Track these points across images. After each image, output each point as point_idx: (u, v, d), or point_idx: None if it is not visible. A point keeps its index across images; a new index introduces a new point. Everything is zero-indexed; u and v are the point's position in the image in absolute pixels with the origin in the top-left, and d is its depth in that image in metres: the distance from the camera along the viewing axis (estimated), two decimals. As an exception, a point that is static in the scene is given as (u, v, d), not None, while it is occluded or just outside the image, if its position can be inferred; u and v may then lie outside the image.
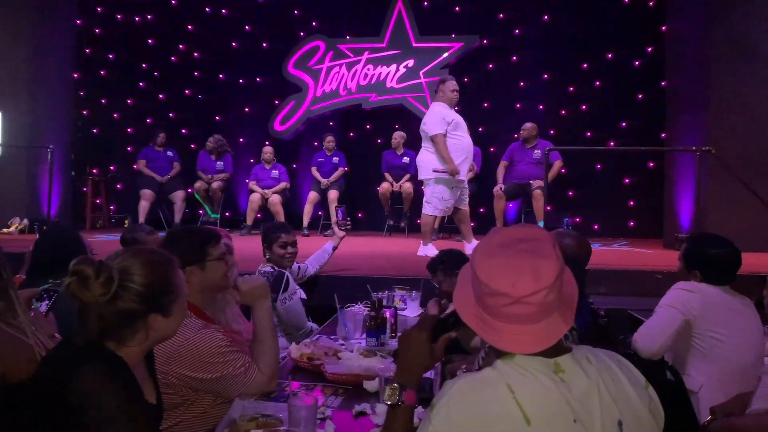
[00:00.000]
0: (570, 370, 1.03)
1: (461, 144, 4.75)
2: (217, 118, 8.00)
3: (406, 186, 6.77)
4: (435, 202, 4.80)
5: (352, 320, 2.47)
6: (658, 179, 6.65)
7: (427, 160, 4.79)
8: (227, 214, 7.67)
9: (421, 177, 4.99)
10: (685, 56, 6.19)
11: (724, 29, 5.63)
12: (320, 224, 7.04)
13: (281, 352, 2.24)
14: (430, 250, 4.75)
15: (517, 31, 7.54)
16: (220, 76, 8.08)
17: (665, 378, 1.91)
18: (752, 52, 5.53)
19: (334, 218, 3.82)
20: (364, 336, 2.40)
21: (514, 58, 7.52)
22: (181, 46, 8.07)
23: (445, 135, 4.67)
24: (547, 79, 7.47)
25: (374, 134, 7.78)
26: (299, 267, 3.48)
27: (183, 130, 8.04)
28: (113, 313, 1.23)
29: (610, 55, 7.28)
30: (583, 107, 7.34)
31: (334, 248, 3.76)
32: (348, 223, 3.86)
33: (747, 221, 5.01)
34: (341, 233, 3.80)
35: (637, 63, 7.23)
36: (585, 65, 7.36)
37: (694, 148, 4.84)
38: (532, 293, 1.00)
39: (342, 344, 2.38)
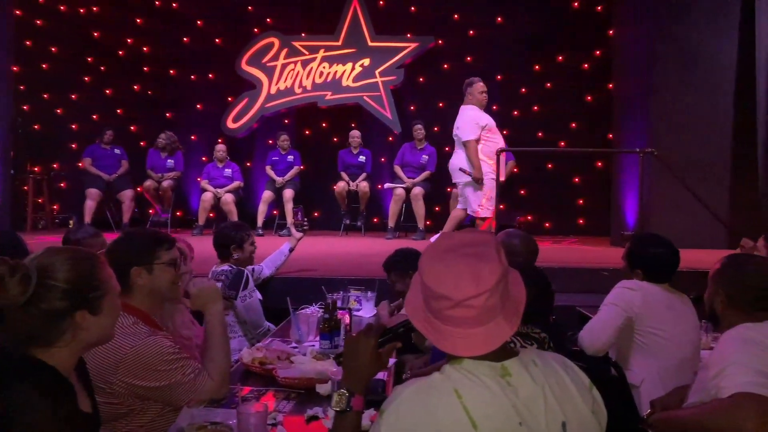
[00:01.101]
0: (517, 373, 1.06)
1: (497, 147, 4.80)
2: (167, 115, 7.78)
3: (363, 185, 6.77)
4: (486, 204, 4.79)
5: (305, 323, 2.45)
6: (606, 179, 6.88)
7: (462, 164, 4.80)
8: (178, 213, 7.48)
9: (456, 180, 5.04)
10: (630, 60, 6.43)
11: (667, 35, 5.88)
12: (275, 224, 6.95)
13: (235, 354, 2.21)
14: None
15: (471, 32, 7.64)
16: (171, 71, 7.86)
17: (609, 374, 1.98)
18: (693, 57, 5.80)
19: (290, 218, 3.77)
20: (318, 339, 2.39)
21: (469, 58, 7.62)
22: (129, 40, 7.80)
23: (478, 140, 4.72)
24: (501, 80, 7.60)
25: (330, 133, 7.73)
26: (254, 269, 3.43)
27: (131, 127, 7.78)
28: (37, 315, 1.18)
29: (560, 58, 7.47)
30: (535, 108, 7.52)
31: (291, 249, 3.72)
32: (305, 223, 3.83)
33: (688, 220, 5.26)
34: (298, 234, 3.76)
35: (586, 66, 7.45)
36: (537, 67, 7.54)
37: (638, 149, 5.02)
38: (473, 296, 1.02)
39: (295, 347, 2.36)
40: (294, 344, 2.42)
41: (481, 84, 4.97)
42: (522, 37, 7.43)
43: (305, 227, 3.81)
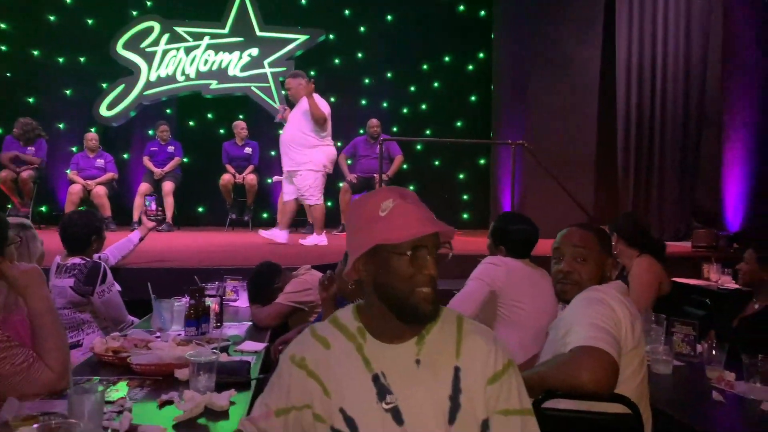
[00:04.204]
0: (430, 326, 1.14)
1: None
2: (29, 99, 7.05)
3: (249, 178, 6.56)
4: (314, 191, 5.12)
5: (168, 310, 2.29)
6: (487, 175, 7.22)
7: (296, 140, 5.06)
8: (41, 208, 6.78)
9: (288, 168, 5.19)
10: (509, 63, 6.81)
11: (541, 40, 6.30)
12: (162, 223, 6.51)
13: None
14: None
15: (362, 28, 7.69)
16: (34, 52, 7.12)
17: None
18: (564, 61, 6.25)
19: (142, 207, 3.54)
20: (184, 327, 2.23)
21: (360, 54, 7.66)
22: (-19, 15, 6.98)
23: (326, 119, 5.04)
24: (390, 78, 7.73)
25: (216, 124, 7.42)
26: (99, 257, 3.14)
27: (-15, 112, 6.95)
28: None
29: (447, 58, 7.74)
30: (423, 106, 7.72)
31: (141, 239, 3.47)
32: (160, 213, 3.60)
33: (558, 210, 5.65)
34: (150, 224, 3.52)
35: (470, 67, 7.78)
36: (425, 66, 7.74)
37: (509, 141, 5.32)
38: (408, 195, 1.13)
39: (158, 336, 2.19)
40: (157, 334, 2.25)
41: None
42: (410, 37, 7.60)
43: (159, 216, 3.59)
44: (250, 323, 2.62)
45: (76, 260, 2.75)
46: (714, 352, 1.92)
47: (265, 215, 7.16)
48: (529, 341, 2.05)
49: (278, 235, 5.21)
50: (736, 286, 2.68)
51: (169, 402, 1.55)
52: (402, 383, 1.09)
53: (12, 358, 1.51)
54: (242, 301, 3.02)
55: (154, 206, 3.55)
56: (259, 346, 2.17)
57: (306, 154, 4.97)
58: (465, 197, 7.70)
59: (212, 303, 2.37)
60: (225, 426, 1.44)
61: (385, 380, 1.10)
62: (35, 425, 1.12)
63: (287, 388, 1.15)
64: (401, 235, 1.07)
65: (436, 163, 7.68)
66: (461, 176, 7.72)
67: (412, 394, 1.09)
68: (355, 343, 1.14)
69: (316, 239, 5.18)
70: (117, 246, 3.34)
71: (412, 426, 1.07)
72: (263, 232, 5.37)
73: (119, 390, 1.66)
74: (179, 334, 2.22)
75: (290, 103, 5.35)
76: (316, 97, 4.98)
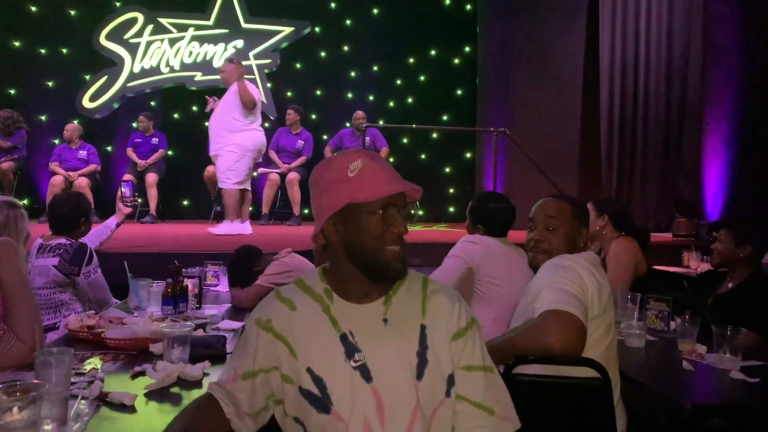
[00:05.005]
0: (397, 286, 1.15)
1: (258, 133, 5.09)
2: (10, 91, 6.96)
3: (234, 170, 6.51)
4: (230, 174, 4.98)
5: (145, 289, 2.27)
6: (472, 169, 7.25)
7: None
8: (24, 201, 6.70)
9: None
10: (493, 56, 6.84)
11: (524, 34, 6.33)
12: (137, 211, 6.47)
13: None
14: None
15: (348, 21, 7.69)
16: (15, 43, 7.03)
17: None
18: (546, 54, 6.30)
19: (119, 193, 3.51)
20: (162, 307, 2.22)
21: (346, 47, 7.66)
22: (-40, 4, 6.88)
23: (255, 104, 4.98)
24: (377, 71, 7.73)
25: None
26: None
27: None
28: None
29: (433, 52, 7.76)
30: (409, 100, 7.73)
31: (118, 225, 3.46)
32: (136, 200, 3.58)
33: (539, 195, 5.68)
34: (126, 210, 3.50)
35: (456, 61, 7.80)
36: (411, 60, 7.75)
37: (492, 128, 5.36)
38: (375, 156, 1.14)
39: (136, 316, 2.18)
40: (135, 313, 2.23)
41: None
42: (396, 30, 7.61)
43: (135, 203, 3.57)
44: (230, 305, 2.61)
45: (62, 240, 2.73)
46: (687, 326, 1.95)
47: (250, 208, 7.12)
48: (503, 318, 2.06)
49: (238, 228, 4.99)
50: (711, 268, 2.72)
51: (142, 373, 1.55)
52: (370, 341, 1.10)
53: (-19, 329, 1.49)
54: (223, 286, 3.00)
55: (128, 192, 3.52)
56: (237, 324, 2.17)
57: (228, 138, 4.87)
58: (451, 191, 7.73)
59: (190, 284, 2.36)
60: (198, 395, 1.43)
61: (353, 339, 1.11)
62: (-1, 385, 1.11)
63: (254, 352, 1.14)
64: (373, 194, 1.07)
65: (423, 156, 7.70)
66: (447, 170, 7.75)
67: (380, 352, 1.09)
68: (321, 303, 1.15)
69: (228, 228, 4.94)
70: (94, 232, 3.31)
71: (380, 383, 1.08)
72: (213, 229, 5.12)
73: (92, 363, 1.65)
74: (157, 314, 2.21)
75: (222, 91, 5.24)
76: (248, 84, 4.94)
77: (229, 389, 1.16)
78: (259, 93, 5.07)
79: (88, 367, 1.59)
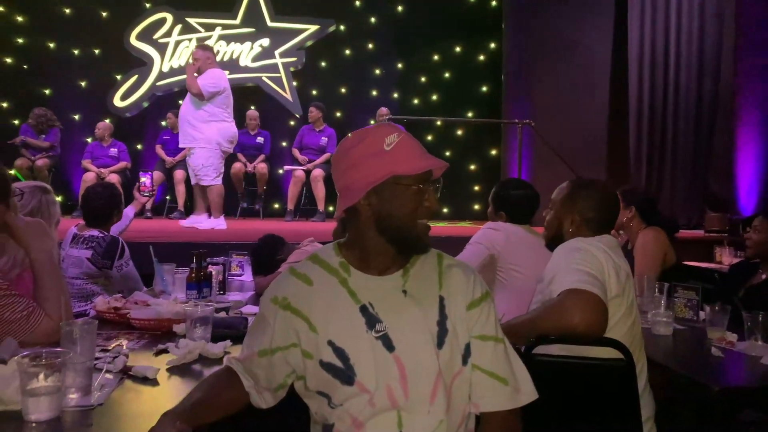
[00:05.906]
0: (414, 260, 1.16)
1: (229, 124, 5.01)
2: (45, 91, 7.17)
3: (261, 167, 6.59)
4: (207, 171, 4.91)
5: (170, 274, 2.31)
6: (498, 166, 7.18)
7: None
8: (57, 198, 6.87)
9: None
10: (518, 51, 6.77)
11: (550, 26, 6.26)
12: (166, 207, 6.61)
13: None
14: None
15: (372, 19, 7.70)
16: (50, 44, 7.24)
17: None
18: (572, 49, 6.21)
19: (138, 183, 3.57)
20: (186, 291, 2.26)
21: (370, 45, 7.68)
22: (-1, 8, 7.12)
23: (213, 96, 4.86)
24: (401, 69, 7.73)
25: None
26: None
27: (2, 103, 7.09)
28: None
29: (457, 49, 7.72)
30: (434, 97, 7.70)
31: (136, 214, 3.53)
32: (153, 190, 3.65)
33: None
34: (143, 199, 3.57)
35: (481, 57, 7.75)
36: (435, 57, 7.73)
37: (516, 120, 5.31)
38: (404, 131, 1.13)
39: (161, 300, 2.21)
40: (161, 297, 2.27)
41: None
42: (421, 27, 7.59)
43: (152, 193, 3.63)
44: (253, 293, 2.64)
45: (94, 232, 2.80)
46: (717, 314, 1.89)
47: (276, 205, 7.21)
48: (527, 306, 2.03)
49: (213, 223, 4.95)
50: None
51: (165, 350, 1.57)
52: (391, 312, 1.10)
53: (12, 305, 1.53)
54: (247, 276, 3.04)
55: (149, 183, 3.58)
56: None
57: (198, 128, 4.78)
58: (476, 188, 7.67)
59: (214, 270, 2.39)
60: (218, 371, 1.45)
61: (373, 310, 1.11)
62: (25, 352, 1.14)
63: (271, 331, 1.15)
64: (411, 168, 1.08)
65: (447, 153, 7.65)
66: (472, 167, 7.69)
67: (401, 322, 1.10)
68: (338, 277, 1.15)
69: (214, 222, 4.90)
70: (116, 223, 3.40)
71: (402, 352, 1.08)
72: (184, 222, 5.08)
73: (118, 341, 1.69)
74: (180, 297, 2.24)
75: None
76: (217, 71, 4.88)
77: (247, 365, 1.18)
78: (220, 84, 4.84)
79: (113, 345, 1.62)
